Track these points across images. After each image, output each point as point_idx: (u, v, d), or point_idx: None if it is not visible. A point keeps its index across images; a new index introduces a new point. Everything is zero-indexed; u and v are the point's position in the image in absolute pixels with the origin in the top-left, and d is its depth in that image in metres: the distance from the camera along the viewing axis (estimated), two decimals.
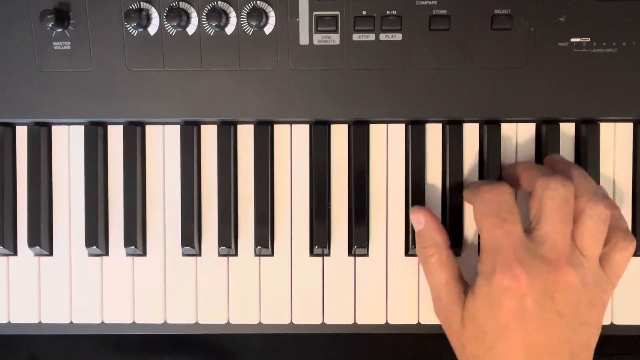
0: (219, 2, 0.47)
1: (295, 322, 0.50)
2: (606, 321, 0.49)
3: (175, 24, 0.46)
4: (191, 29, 0.47)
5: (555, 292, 0.40)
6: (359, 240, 0.49)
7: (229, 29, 0.47)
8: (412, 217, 0.47)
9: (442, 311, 0.45)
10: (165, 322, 0.50)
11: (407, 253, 0.49)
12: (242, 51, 0.47)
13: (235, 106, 0.48)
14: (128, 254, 0.50)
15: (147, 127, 0.50)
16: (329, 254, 0.50)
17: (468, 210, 0.49)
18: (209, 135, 0.50)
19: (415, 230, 0.47)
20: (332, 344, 0.56)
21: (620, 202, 0.49)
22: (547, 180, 0.42)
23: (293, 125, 0.50)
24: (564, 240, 0.41)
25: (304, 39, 0.47)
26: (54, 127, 0.50)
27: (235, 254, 0.50)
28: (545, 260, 0.40)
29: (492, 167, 0.49)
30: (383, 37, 0.47)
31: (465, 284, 0.45)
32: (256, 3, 0.47)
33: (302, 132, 0.50)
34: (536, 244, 0.41)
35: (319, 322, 0.50)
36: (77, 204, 0.50)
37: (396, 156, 0.49)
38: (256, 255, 0.50)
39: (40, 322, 0.50)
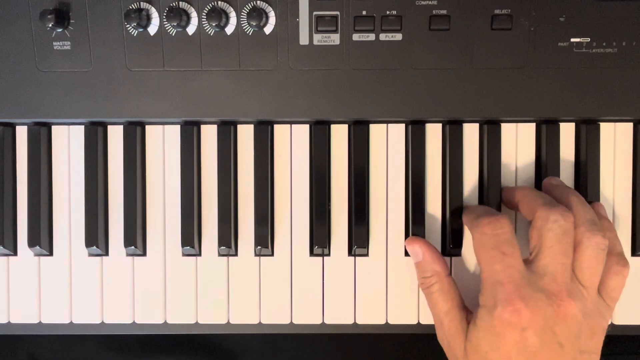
0: (219, 2, 0.47)
1: (295, 322, 0.50)
2: None
3: (175, 24, 0.46)
4: (191, 29, 0.47)
5: (556, 325, 0.40)
6: (359, 240, 0.49)
7: (229, 29, 0.47)
8: (408, 248, 0.48)
9: (444, 339, 0.45)
10: (165, 322, 0.50)
11: (407, 253, 0.49)
12: (242, 51, 0.47)
13: (235, 106, 0.48)
14: (128, 254, 0.50)
15: (147, 127, 0.50)
16: (329, 254, 0.50)
17: None
18: (209, 135, 0.50)
19: (414, 261, 0.48)
20: (332, 344, 0.56)
21: (620, 202, 0.49)
22: (547, 212, 0.42)
23: (293, 125, 0.50)
24: (564, 272, 0.41)
25: (304, 39, 0.47)
26: (54, 127, 0.50)
27: (235, 254, 0.50)
28: (545, 292, 0.41)
29: (492, 167, 0.49)
30: (383, 37, 0.47)
31: (468, 311, 0.45)
32: (256, 3, 0.47)
33: (302, 132, 0.50)
34: (536, 275, 0.42)
35: (319, 322, 0.50)
36: (77, 204, 0.50)
37: (396, 156, 0.49)
38: (256, 255, 0.50)
39: (40, 322, 0.50)
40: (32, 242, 0.49)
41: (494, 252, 0.42)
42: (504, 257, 0.42)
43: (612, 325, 0.49)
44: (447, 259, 0.49)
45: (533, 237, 0.43)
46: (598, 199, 0.49)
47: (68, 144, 0.50)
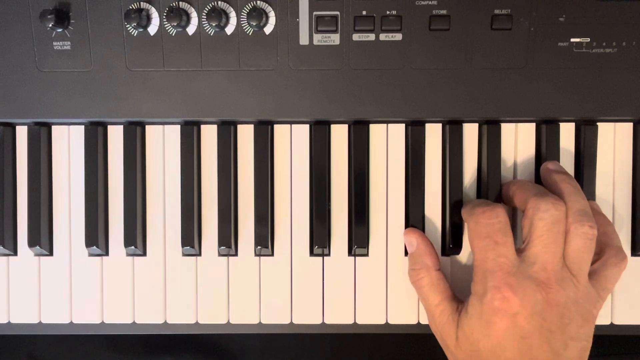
0: (219, 2, 0.47)
1: (295, 322, 0.50)
2: (606, 321, 0.49)
3: (175, 24, 0.46)
4: (191, 29, 0.47)
5: (545, 311, 0.41)
6: (359, 240, 0.49)
7: (229, 29, 0.47)
8: (405, 238, 0.49)
9: (437, 330, 0.46)
10: (165, 322, 0.50)
11: (407, 253, 0.49)
12: (242, 51, 0.47)
13: (235, 106, 0.48)
14: (128, 254, 0.50)
15: (147, 127, 0.50)
16: (329, 254, 0.50)
17: None
18: (209, 135, 0.50)
19: (408, 251, 0.48)
20: (332, 344, 0.56)
21: (620, 202, 0.49)
22: (538, 201, 0.43)
23: (293, 125, 0.50)
24: (554, 260, 0.42)
25: (304, 39, 0.47)
26: (54, 127, 0.50)
27: (235, 254, 0.50)
28: (535, 280, 0.41)
29: (492, 167, 0.49)
30: (383, 37, 0.47)
31: (459, 302, 0.46)
32: (256, 3, 0.47)
33: (302, 132, 0.50)
34: (526, 264, 0.42)
35: (319, 322, 0.50)
36: (77, 204, 0.50)
37: (396, 156, 0.49)
38: (256, 255, 0.50)
39: (40, 322, 0.50)
40: (32, 242, 0.49)
41: (487, 240, 0.43)
42: (496, 246, 0.42)
43: (612, 325, 0.49)
44: (448, 258, 0.49)
45: (525, 226, 0.44)
46: (594, 198, 0.49)
47: (68, 144, 0.50)
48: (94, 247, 0.49)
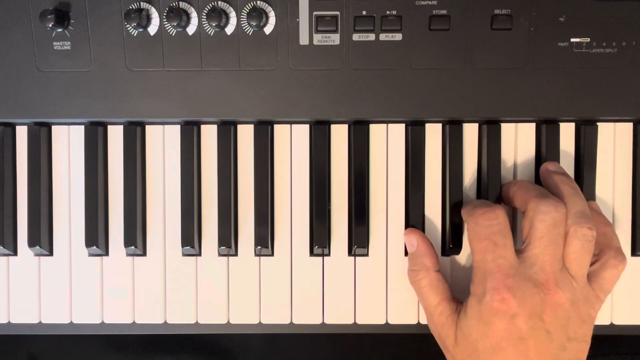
0: (219, 2, 0.47)
1: (295, 322, 0.50)
2: (606, 321, 0.49)
3: (175, 24, 0.46)
4: (191, 29, 0.47)
5: (544, 313, 0.41)
6: (359, 240, 0.49)
7: (229, 29, 0.47)
8: (405, 239, 0.49)
9: (435, 331, 0.46)
10: (165, 322, 0.50)
11: (407, 253, 0.49)
12: (242, 51, 0.47)
13: (235, 106, 0.48)
14: (128, 254, 0.50)
15: (147, 127, 0.50)
16: (329, 254, 0.50)
17: None
18: (209, 135, 0.50)
19: (408, 252, 0.48)
20: (332, 344, 0.56)
21: (619, 202, 0.49)
22: (539, 203, 0.43)
23: (293, 125, 0.50)
24: (553, 262, 0.42)
25: (304, 39, 0.47)
26: (54, 127, 0.50)
27: (235, 254, 0.50)
28: (534, 282, 0.42)
29: (492, 167, 0.49)
30: (383, 37, 0.47)
31: (458, 302, 0.46)
32: (256, 3, 0.47)
33: (302, 132, 0.50)
34: (526, 265, 0.42)
35: (319, 322, 0.50)
36: (77, 204, 0.50)
37: (396, 156, 0.49)
38: (256, 255, 0.50)
39: (40, 322, 0.50)
40: (32, 242, 0.49)
41: (486, 242, 0.43)
42: (496, 248, 0.42)
43: (612, 325, 0.49)
44: (448, 258, 0.49)
45: (525, 227, 0.44)
46: (593, 199, 0.49)
47: (68, 144, 0.50)
48: (94, 247, 0.49)
